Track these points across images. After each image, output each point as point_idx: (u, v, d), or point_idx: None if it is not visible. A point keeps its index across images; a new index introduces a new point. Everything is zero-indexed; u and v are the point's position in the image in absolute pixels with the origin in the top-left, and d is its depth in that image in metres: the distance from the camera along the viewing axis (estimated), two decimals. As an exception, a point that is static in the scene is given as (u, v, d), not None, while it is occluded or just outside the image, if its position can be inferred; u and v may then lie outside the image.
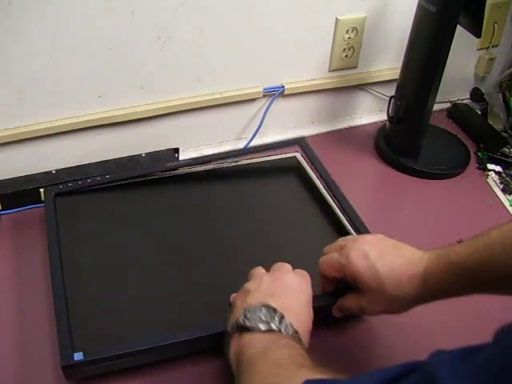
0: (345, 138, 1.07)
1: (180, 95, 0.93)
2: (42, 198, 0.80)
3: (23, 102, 0.82)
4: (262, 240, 0.77)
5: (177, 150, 0.92)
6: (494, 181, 0.98)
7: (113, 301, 0.68)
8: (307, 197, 0.85)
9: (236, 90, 0.96)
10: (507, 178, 0.98)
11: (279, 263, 0.63)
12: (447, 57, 0.89)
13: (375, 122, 1.11)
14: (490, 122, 1.11)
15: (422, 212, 0.91)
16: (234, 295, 0.61)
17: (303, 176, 0.89)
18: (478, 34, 0.89)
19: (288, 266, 0.62)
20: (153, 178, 0.85)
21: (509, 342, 0.31)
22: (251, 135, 1.00)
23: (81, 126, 0.87)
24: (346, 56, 1.02)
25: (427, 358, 0.35)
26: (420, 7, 0.87)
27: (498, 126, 1.10)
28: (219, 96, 0.95)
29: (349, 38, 1.00)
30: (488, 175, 0.99)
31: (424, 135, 0.97)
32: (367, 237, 0.63)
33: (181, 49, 0.88)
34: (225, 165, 0.89)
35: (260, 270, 0.62)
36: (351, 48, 1.01)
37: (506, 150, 1.04)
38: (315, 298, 0.61)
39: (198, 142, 0.98)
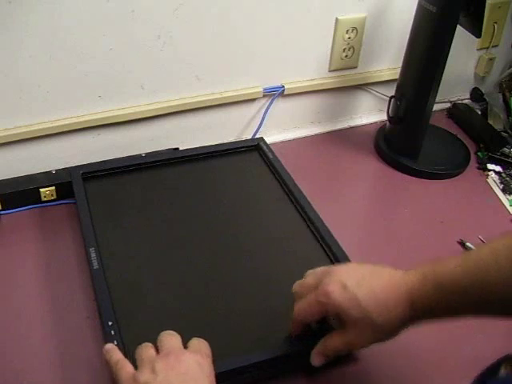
0: (345, 137, 1.06)
1: (180, 95, 0.93)
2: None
3: (23, 102, 0.82)
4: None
5: (177, 150, 0.92)
6: (494, 181, 0.98)
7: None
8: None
9: (236, 89, 0.96)
10: (507, 178, 0.98)
11: (167, 342, 0.53)
12: (447, 57, 0.88)
13: (375, 122, 1.11)
14: (490, 122, 1.11)
15: (422, 212, 0.90)
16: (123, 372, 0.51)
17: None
18: (478, 34, 0.89)
19: (179, 344, 0.53)
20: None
21: None
22: (251, 135, 1.00)
23: (81, 126, 0.87)
24: (346, 56, 1.02)
25: None
26: (420, 7, 0.87)
27: (498, 126, 1.10)
28: (219, 96, 0.95)
29: (349, 37, 1.00)
30: (488, 175, 0.99)
31: (424, 135, 0.97)
32: (340, 267, 0.59)
33: (181, 49, 0.88)
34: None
35: (149, 352, 0.52)
36: (351, 48, 1.01)
37: (505, 149, 1.04)
38: (290, 343, 0.60)
39: (198, 142, 0.98)
